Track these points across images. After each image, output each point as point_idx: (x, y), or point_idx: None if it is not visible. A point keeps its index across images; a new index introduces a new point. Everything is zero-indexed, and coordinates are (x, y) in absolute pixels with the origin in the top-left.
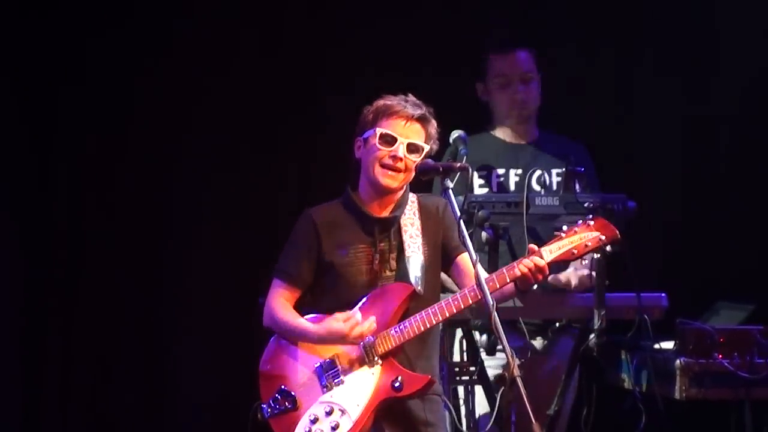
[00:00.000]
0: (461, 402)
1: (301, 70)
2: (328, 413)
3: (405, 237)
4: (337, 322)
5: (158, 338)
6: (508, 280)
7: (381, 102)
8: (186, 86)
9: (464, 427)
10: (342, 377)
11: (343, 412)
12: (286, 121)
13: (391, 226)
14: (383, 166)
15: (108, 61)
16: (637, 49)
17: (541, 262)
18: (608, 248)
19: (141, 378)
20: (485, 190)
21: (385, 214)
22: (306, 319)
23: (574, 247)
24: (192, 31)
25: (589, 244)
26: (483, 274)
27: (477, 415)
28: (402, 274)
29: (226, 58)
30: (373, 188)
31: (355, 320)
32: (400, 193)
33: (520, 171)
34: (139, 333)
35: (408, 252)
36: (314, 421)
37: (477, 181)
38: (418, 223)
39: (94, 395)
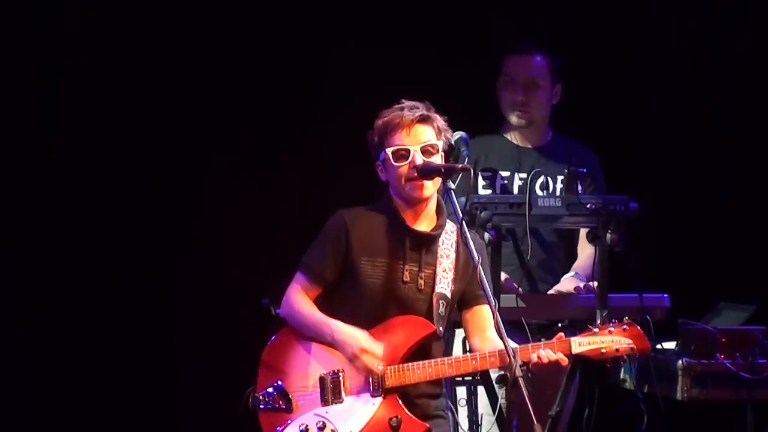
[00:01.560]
0: (463, 402)
1: (302, 76)
2: (320, 428)
3: (438, 269)
4: (363, 339)
5: (160, 342)
6: (529, 359)
7: (379, 122)
8: (185, 89)
9: (466, 428)
10: (343, 396)
11: None
12: (287, 129)
13: (425, 244)
14: (409, 180)
15: None
16: (637, 46)
17: (566, 361)
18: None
19: (142, 378)
20: (488, 191)
21: (422, 228)
22: (320, 313)
23: (605, 347)
24: (191, 39)
25: (619, 349)
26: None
27: (479, 416)
28: (426, 308)
29: (227, 61)
30: (407, 203)
31: (377, 352)
32: (434, 205)
33: (524, 175)
34: (141, 335)
35: (438, 287)
36: (304, 431)
37: (480, 182)
38: (453, 257)
39: (95, 396)
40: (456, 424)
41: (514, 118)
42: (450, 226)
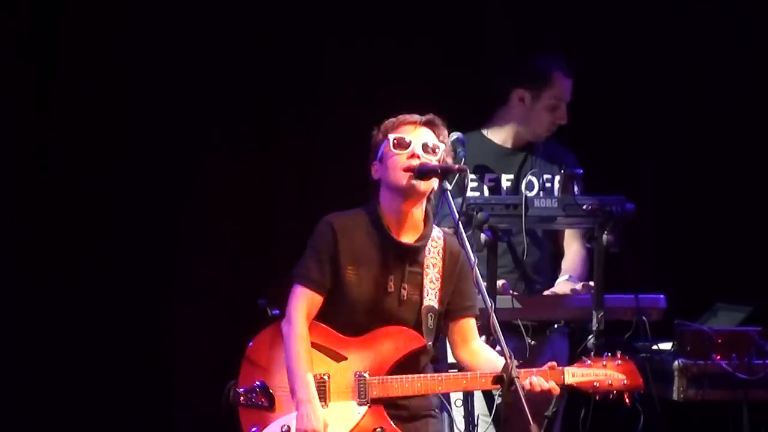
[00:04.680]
0: (459, 403)
1: (298, 73)
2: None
3: (425, 281)
4: (313, 427)
5: (156, 343)
6: (522, 385)
7: (385, 122)
8: (182, 86)
9: (462, 429)
10: (328, 401)
11: None
12: (283, 126)
13: (409, 255)
14: (405, 170)
15: None
16: (636, 45)
17: (557, 390)
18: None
19: (140, 380)
20: (477, 193)
21: (407, 240)
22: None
23: (598, 381)
24: (187, 31)
25: (612, 384)
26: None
27: (475, 417)
28: (414, 320)
29: (222, 59)
30: (398, 197)
31: None
32: (421, 213)
33: (511, 177)
34: (139, 335)
35: (426, 300)
36: (286, 431)
37: (469, 184)
38: (440, 265)
39: (94, 397)
40: (452, 424)
41: (545, 134)
42: (436, 233)
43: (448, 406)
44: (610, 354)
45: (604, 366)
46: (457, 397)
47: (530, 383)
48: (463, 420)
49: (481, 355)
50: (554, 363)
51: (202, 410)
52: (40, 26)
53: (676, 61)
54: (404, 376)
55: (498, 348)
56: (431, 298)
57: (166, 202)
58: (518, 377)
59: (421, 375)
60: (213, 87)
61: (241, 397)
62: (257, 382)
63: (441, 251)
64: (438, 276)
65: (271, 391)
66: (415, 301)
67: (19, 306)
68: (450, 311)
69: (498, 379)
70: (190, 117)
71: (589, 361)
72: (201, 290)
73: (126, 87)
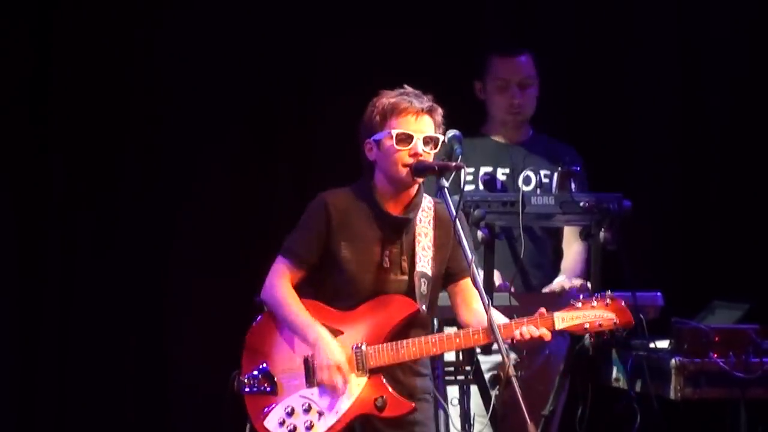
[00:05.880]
0: (456, 402)
1: (294, 68)
2: (306, 410)
3: (418, 248)
4: (342, 358)
5: (154, 340)
6: (513, 336)
7: (385, 100)
8: (180, 85)
9: (459, 428)
10: None
11: (320, 414)
12: (280, 121)
13: (403, 227)
14: (405, 165)
15: None
16: (632, 44)
17: (548, 336)
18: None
19: (137, 380)
20: (471, 187)
21: (399, 213)
22: (307, 312)
23: (588, 322)
24: (183, 27)
25: (602, 324)
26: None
27: (472, 415)
28: (408, 288)
29: (221, 52)
30: (394, 186)
31: (342, 377)
32: (414, 189)
33: (507, 170)
34: (135, 333)
35: (418, 266)
36: (290, 413)
37: (465, 179)
38: (431, 234)
39: (90, 397)
40: (448, 423)
41: (510, 120)
42: (427, 203)
43: (445, 405)
44: (599, 294)
45: (594, 308)
46: (453, 395)
47: (521, 333)
48: (459, 419)
49: (481, 315)
50: (543, 310)
51: (200, 408)
52: (37, 26)
53: (675, 60)
54: (398, 342)
55: (495, 346)
56: (423, 264)
57: (162, 199)
58: (516, 376)
59: (415, 339)
60: (210, 86)
61: (245, 386)
62: (258, 368)
63: (432, 219)
64: (430, 244)
65: (272, 374)
66: (410, 270)
67: (18, 304)
68: (449, 275)
69: (495, 378)
70: (187, 114)
71: (579, 304)
72: (198, 289)
73: (123, 85)
